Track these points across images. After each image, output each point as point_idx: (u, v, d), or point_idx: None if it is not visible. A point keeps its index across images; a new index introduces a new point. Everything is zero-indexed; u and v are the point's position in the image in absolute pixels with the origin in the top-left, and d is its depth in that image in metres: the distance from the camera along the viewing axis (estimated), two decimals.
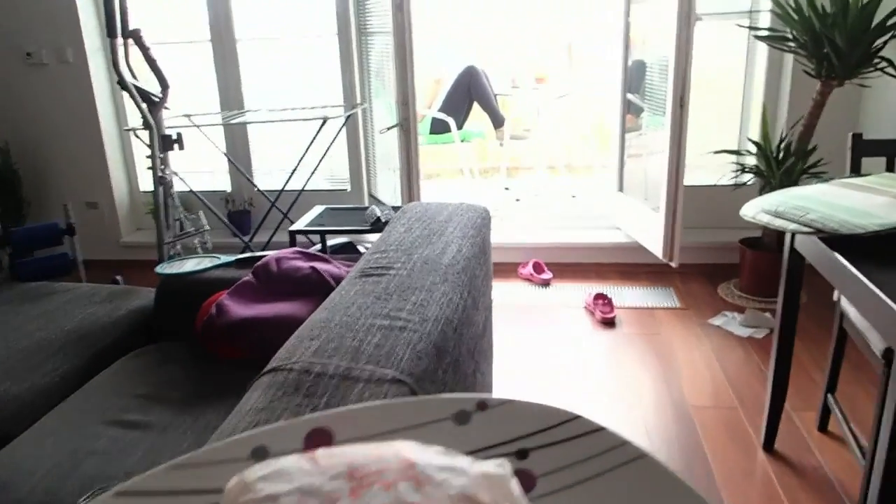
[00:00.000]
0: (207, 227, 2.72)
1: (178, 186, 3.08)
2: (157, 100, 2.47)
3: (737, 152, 3.08)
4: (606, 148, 4.84)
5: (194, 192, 3.26)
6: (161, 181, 2.46)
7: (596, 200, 4.05)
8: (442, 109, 4.40)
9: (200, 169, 4.04)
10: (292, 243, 2.54)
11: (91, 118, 3.71)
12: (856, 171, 1.96)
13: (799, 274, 1.83)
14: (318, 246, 2.72)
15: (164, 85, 2.51)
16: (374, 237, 2.84)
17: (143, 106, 2.42)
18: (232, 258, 2.12)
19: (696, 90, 2.89)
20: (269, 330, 1.72)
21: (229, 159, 3.54)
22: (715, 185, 3.44)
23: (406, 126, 3.08)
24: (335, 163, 3.83)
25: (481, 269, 1.65)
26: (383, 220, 2.49)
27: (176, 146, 2.56)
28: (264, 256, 2.11)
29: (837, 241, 1.52)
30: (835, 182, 1.83)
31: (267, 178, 3.96)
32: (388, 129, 3.16)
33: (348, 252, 2.80)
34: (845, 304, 1.87)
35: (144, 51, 2.46)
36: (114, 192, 3.85)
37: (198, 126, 3.30)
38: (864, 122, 3.09)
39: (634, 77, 3.44)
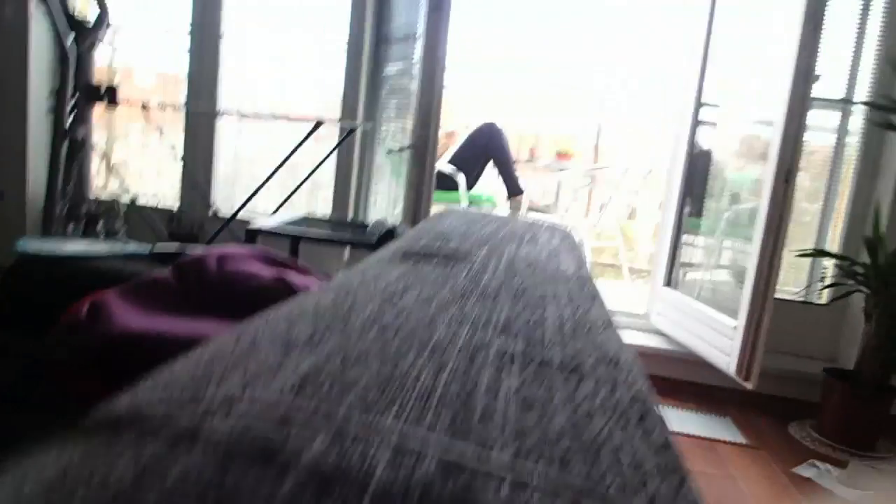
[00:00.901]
0: (122, 209, 1.92)
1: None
2: (87, 27, 1.73)
3: (840, 257, 2.45)
4: (633, 249, 4.23)
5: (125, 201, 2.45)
6: (67, 135, 1.67)
7: (621, 294, 3.36)
8: (452, 163, 3.75)
9: (143, 178, 3.25)
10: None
11: (18, 84, 2.90)
12: None
13: None
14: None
15: (104, 15, 1.77)
16: None
17: (64, 26, 1.67)
18: (146, 248, 1.32)
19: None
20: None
21: (184, 162, 2.77)
22: (792, 301, 2.74)
23: (422, 147, 2.38)
24: (314, 194, 3.09)
25: None
26: (398, 232, 1.70)
27: (106, 100, 1.79)
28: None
29: None
30: None
31: (228, 202, 3.17)
32: (400, 150, 2.47)
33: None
34: None
35: None
36: (28, 181, 2.99)
37: (148, 108, 2.56)
38: None
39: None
